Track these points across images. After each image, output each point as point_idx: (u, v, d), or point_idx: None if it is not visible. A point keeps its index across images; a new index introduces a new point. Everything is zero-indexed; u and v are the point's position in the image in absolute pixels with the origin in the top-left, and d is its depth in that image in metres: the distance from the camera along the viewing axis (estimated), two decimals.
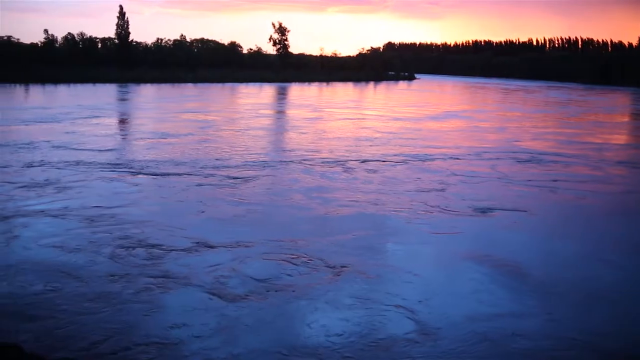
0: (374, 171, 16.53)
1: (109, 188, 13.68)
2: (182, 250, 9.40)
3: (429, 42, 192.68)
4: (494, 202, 13.33)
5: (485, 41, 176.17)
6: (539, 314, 7.56)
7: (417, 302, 7.69)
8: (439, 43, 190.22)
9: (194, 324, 6.93)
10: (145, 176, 15.11)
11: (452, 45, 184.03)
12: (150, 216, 11.32)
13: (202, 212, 11.90)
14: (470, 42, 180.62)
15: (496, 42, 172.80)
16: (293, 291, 7.91)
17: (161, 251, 9.29)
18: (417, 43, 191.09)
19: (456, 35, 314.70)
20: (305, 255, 9.28)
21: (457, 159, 19.24)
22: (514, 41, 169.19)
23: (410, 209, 12.42)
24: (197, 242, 9.77)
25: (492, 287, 8.39)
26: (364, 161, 18.02)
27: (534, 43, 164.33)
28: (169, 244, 9.62)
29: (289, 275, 8.50)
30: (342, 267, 8.84)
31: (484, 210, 12.51)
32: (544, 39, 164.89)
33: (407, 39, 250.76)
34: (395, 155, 19.28)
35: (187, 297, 7.70)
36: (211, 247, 9.60)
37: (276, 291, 7.89)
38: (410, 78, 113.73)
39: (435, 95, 64.13)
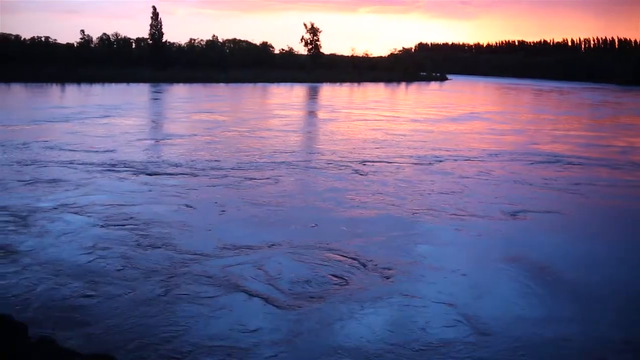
0: (388, 173, 16.44)
1: (111, 187, 13.95)
2: (219, 251, 9.39)
3: (461, 43, 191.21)
4: (516, 204, 13.33)
5: (519, 41, 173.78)
6: (587, 319, 7.60)
7: (465, 304, 7.76)
8: (471, 43, 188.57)
9: (247, 326, 6.91)
10: (144, 176, 15.28)
11: (485, 46, 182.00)
12: (168, 216, 11.44)
13: (223, 211, 11.93)
14: (504, 42, 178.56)
15: (530, 42, 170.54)
16: (341, 294, 7.91)
17: (195, 253, 9.28)
18: (450, 43, 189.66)
19: (489, 36, 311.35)
20: (345, 257, 9.30)
21: (469, 160, 19.13)
22: (549, 41, 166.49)
23: (433, 211, 12.44)
24: (230, 243, 9.81)
25: (538, 290, 8.40)
26: (369, 163, 18.00)
27: (569, 43, 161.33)
28: (202, 246, 9.62)
29: (330, 277, 8.50)
30: (387, 269, 8.88)
31: (509, 213, 12.51)
32: (579, 39, 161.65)
33: (439, 39, 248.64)
34: (401, 157, 19.16)
35: (235, 299, 7.67)
36: (248, 248, 9.59)
37: (321, 296, 7.87)
38: (442, 79, 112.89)
39: (463, 96, 63.43)
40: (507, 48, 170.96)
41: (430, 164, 18.33)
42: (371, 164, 17.91)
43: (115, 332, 6.65)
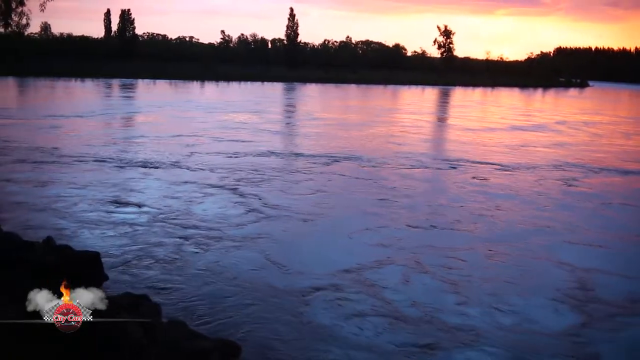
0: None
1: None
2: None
3: (606, 47, 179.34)
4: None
5: None
6: None
7: None
8: (617, 48, 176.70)
9: None
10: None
11: (633, 51, 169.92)
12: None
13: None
14: None
15: None
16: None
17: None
18: (592, 48, 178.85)
19: (639, 40, 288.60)
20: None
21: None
22: None
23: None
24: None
25: None
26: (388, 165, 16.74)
27: None
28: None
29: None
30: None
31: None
32: None
33: (581, 44, 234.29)
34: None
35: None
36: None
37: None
38: (582, 85, 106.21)
39: (584, 104, 56.48)
40: None
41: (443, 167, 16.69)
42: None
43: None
